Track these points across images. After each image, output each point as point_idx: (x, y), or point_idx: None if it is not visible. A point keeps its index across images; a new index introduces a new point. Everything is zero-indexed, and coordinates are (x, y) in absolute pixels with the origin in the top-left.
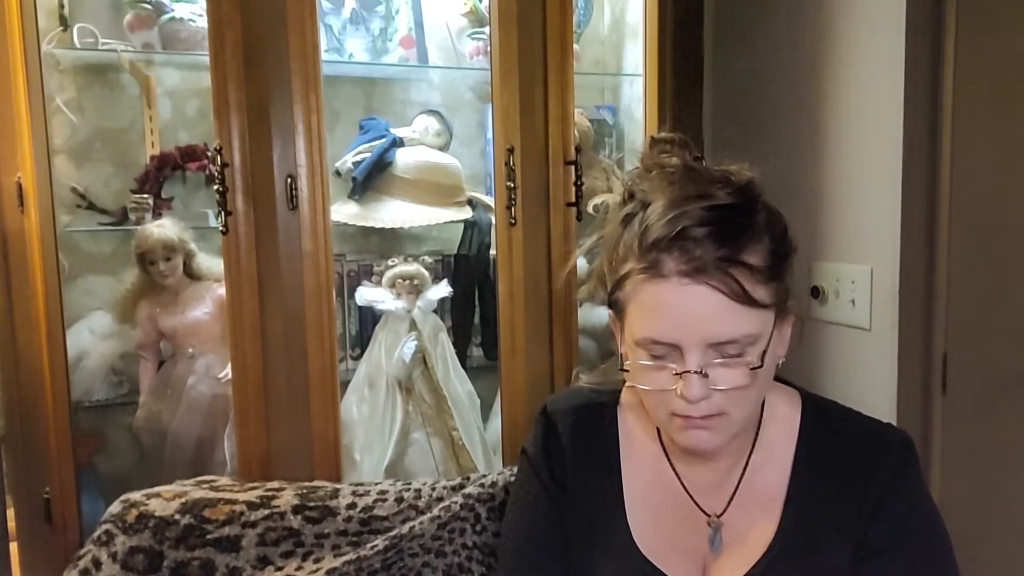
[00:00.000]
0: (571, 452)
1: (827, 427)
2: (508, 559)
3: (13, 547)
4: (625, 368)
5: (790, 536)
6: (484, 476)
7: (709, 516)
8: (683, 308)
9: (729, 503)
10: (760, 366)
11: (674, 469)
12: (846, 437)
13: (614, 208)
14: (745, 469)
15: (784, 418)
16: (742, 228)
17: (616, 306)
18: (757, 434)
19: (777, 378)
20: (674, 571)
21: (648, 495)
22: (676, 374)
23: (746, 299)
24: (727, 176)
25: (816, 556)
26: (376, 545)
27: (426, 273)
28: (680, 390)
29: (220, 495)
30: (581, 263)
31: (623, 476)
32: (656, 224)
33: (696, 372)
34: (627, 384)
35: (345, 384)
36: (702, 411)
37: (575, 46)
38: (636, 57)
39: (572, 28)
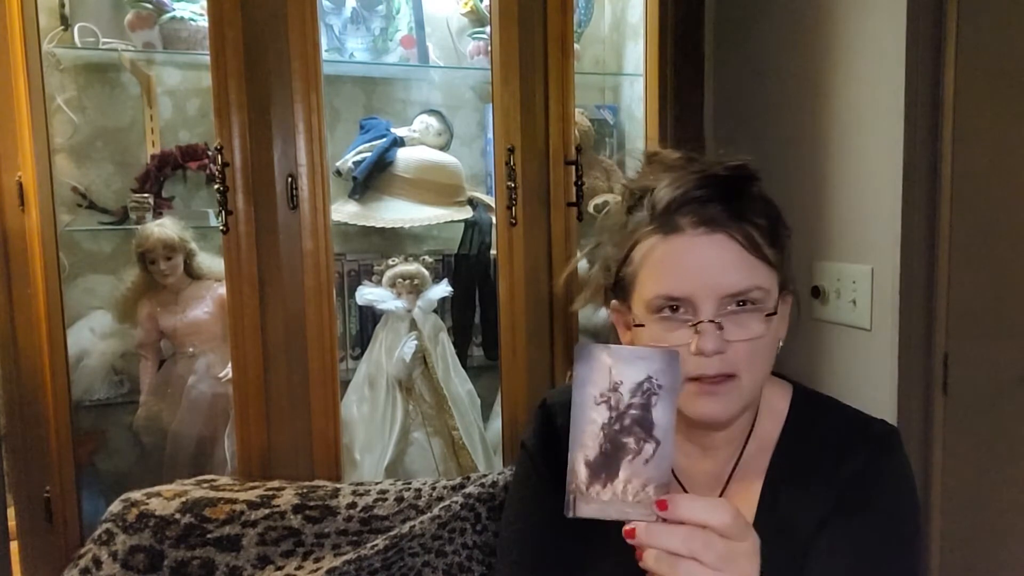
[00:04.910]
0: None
1: (811, 414)
2: (509, 551)
3: (13, 546)
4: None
5: (765, 515)
6: (484, 476)
7: None
8: (697, 259)
9: (722, 494)
10: (774, 313)
11: None
12: (827, 423)
13: (616, 208)
14: (739, 460)
15: (776, 409)
16: (744, 194)
17: (622, 285)
18: (753, 426)
19: (774, 373)
20: None
21: None
22: (691, 325)
23: (758, 251)
24: (723, 160)
25: (791, 535)
26: (376, 544)
27: (426, 273)
28: (695, 345)
29: (220, 494)
30: (582, 266)
31: None
32: (665, 193)
33: (711, 321)
34: None
35: (345, 383)
36: (716, 368)
37: (576, 46)
38: (637, 57)
39: (573, 28)
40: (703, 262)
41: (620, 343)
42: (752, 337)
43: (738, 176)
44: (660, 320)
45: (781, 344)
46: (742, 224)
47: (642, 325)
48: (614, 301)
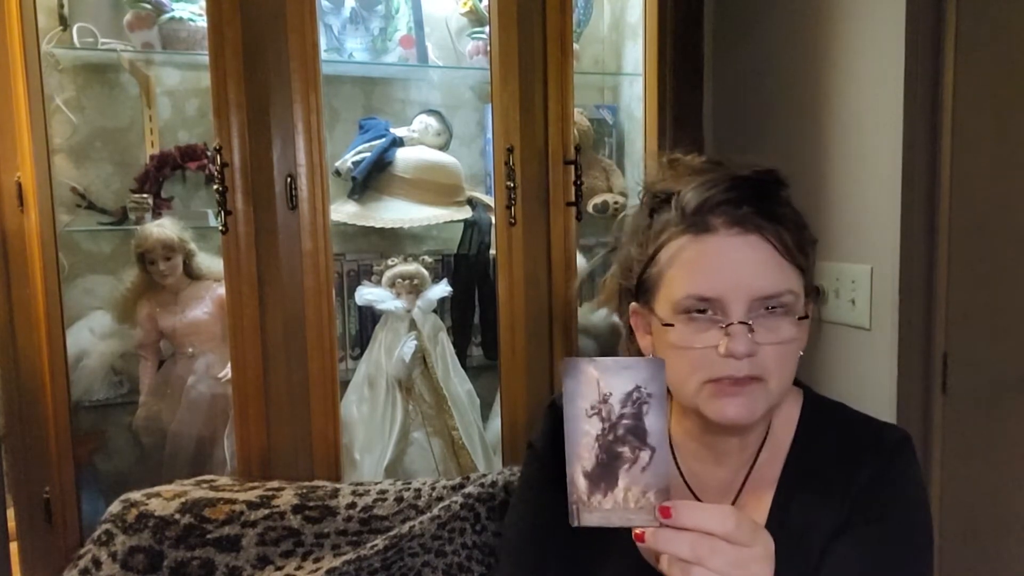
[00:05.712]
0: None
1: (823, 421)
2: (512, 551)
3: (13, 547)
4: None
5: (777, 523)
6: (484, 476)
7: None
8: (730, 260)
9: (734, 502)
10: (806, 316)
11: (680, 469)
12: (839, 431)
13: (636, 211)
14: (751, 469)
15: (788, 416)
16: (775, 199)
17: (646, 287)
18: (767, 433)
19: None
20: None
21: None
22: (722, 326)
23: (789, 255)
24: (750, 165)
25: (803, 544)
26: (376, 545)
27: (426, 273)
28: (725, 346)
29: (220, 495)
30: (581, 263)
31: None
32: (696, 194)
33: (743, 323)
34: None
35: (345, 384)
36: (745, 371)
37: (575, 45)
38: (636, 57)
39: (572, 27)
40: (736, 263)
41: (637, 346)
42: (783, 340)
43: (770, 180)
44: (688, 321)
45: (802, 353)
46: (775, 226)
47: (671, 324)
48: (633, 304)
